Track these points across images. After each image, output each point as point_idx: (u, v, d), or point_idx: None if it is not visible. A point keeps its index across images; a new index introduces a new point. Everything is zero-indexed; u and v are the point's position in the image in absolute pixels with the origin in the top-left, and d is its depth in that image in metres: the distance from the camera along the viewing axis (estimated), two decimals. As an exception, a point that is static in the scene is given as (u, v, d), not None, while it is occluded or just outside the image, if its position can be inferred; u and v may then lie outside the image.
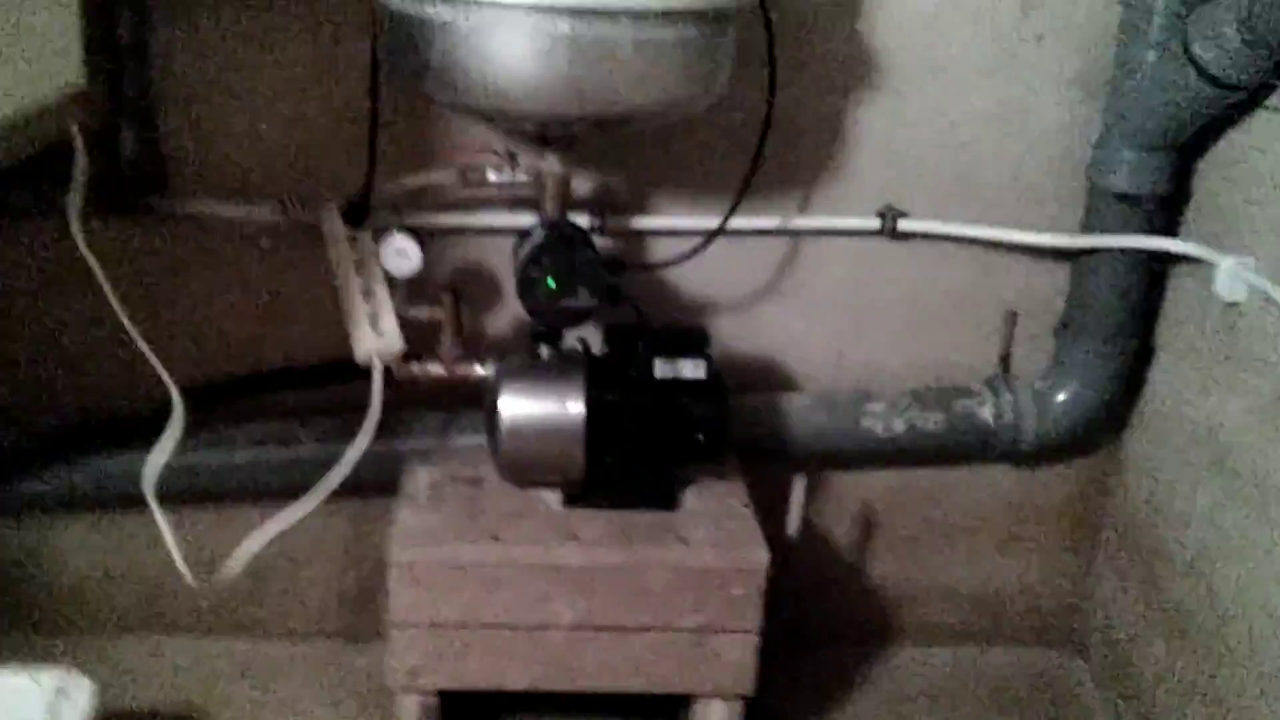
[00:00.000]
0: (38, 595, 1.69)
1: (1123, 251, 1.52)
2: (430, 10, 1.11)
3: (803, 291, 1.64)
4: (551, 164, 1.32)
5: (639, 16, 1.10)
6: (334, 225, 1.41)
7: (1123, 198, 1.49)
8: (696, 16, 1.14)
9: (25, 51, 0.94)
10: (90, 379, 1.55)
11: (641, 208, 1.56)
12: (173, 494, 1.53)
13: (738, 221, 1.52)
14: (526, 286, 1.32)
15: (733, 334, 1.65)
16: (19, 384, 1.57)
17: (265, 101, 1.46)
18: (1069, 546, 1.80)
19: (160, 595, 1.70)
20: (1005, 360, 1.66)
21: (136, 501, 1.37)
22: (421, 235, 1.37)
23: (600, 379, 1.38)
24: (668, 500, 1.44)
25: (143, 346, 1.24)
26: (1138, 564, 1.65)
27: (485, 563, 1.35)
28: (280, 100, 1.46)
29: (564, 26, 1.09)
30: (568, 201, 1.37)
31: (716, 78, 1.23)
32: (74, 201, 1.09)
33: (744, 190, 1.43)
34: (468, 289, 1.54)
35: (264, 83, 1.45)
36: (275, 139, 1.48)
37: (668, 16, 1.12)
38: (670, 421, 1.38)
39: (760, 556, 1.36)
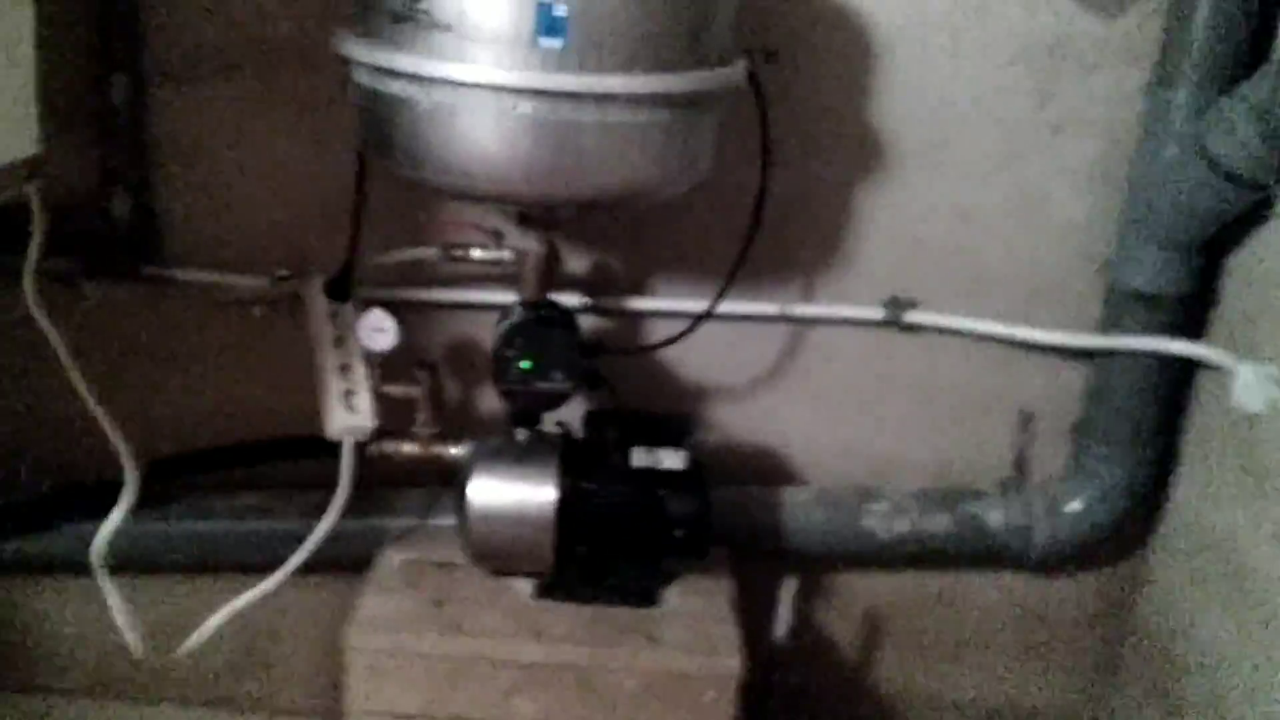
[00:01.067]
0: (14, 657, 1.68)
1: (1142, 353, 1.43)
2: (395, 86, 1.09)
3: (807, 380, 1.58)
4: (530, 242, 1.29)
5: (605, 99, 1.06)
6: (315, 299, 1.39)
7: (1141, 297, 1.41)
8: (668, 100, 1.10)
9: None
10: (70, 443, 1.54)
11: (637, 288, 1.52)
12: (150, 561, 1.54)
13: (736, 306, 1.48)
14: (501, 367, 1.29)
15: (733, 422, 1.59)
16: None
17: (258, 171, 1.46)
18: (1086, 659, 1.69)
19: (140, 663, 1.67)
20: (1020, 462, 1.58)
21: (114, 568, 1.36)
22: (400, 311, 1.34)
23: (574, 466, 1.33)
24: (646, 596, 1.38)
25: (98, 413, 1.23)
26: (1156, 681, 1.54)
27: (446, 654, 1.30)
28: (273, 170, 1.46)
29: (525, 108, 1.05)
30: (550, 281, 1.33)
31: (695, 160, 1.19)
32: (29, 267, 1.08)
33: (733, 275, 1.38)
34: (453, 365, 1.52)
35: (257, 152, 1.45)
36: (267, 208, 1.47)
37: (636, 100, 1.08)
38: (646, 514, 1.33)
39: (733, 662, 1.29)
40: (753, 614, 1.39)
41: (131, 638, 1.31)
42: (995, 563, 1.60)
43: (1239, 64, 1.30)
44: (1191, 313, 1.44)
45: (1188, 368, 1.47)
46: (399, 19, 1.06)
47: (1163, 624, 1.54)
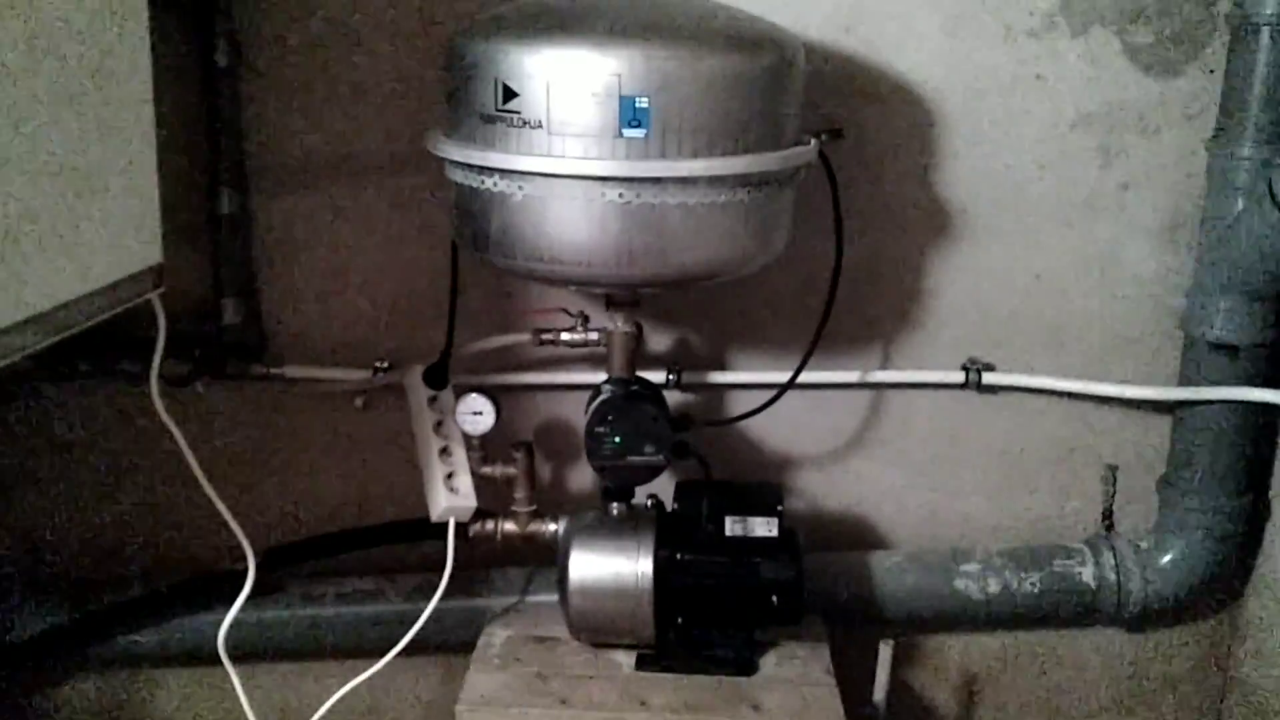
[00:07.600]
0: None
1: (1223, 403, 1.44)
2: (488, 181, 1.16)
3: (891, 445, 1.61)
4: (617, 323, 1.35)
5: (686, 183, 1.13)
6: (415, 387, 1.45)
7: (1219, 347, 1.43)
8: (745, 180, 1.16)
9: (107, 234, 1.02)
10: (184, 535, 1.62)
11: (719, 362, 1.57)
12: (262, 649, 1.58)
13: (817, 375, 1.52)
14: (594, 443, 1.33)
15: (819, 489, 1.62)
16: (115, 542, 1.64)
17: (354, 270, 1.53)
18: (1188, 713, 1.67)
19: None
20: (1108, 517, 1.58)
21: (232, 657, 1.41)
22: (496, 395, 1.40)
23: (669, 537, 1.37)
24: (745, 665, 1.40)
25: (220, 507, 1.29)
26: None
27: (552, 727, 1.33)
28: (368, 268, 1.53)
29: (613, 194, 1.12)
30: (636, 359, 1.38)
31: (772, 236, 1.24)
32: (155, 368, 1.16)
33: (814, 346, 1.42)
34: (548, 444, 1.57)
35: (353, 253, 1.52)
36: (365, 304, 1.54)
37: (715, 181, 1.14)
38: (741, 582, 1.36)
39: (836, 726, 1.31)
40: (848, 679, 1.40)
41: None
42: (1090, 619, 1.60)
43: (1300, 115, 1.34)
44: (1272, 360, 1.45)
45: (1272, 415, 1.48)
46: (490, 119, 1.14)
47: (1265, 674, 1.52)
